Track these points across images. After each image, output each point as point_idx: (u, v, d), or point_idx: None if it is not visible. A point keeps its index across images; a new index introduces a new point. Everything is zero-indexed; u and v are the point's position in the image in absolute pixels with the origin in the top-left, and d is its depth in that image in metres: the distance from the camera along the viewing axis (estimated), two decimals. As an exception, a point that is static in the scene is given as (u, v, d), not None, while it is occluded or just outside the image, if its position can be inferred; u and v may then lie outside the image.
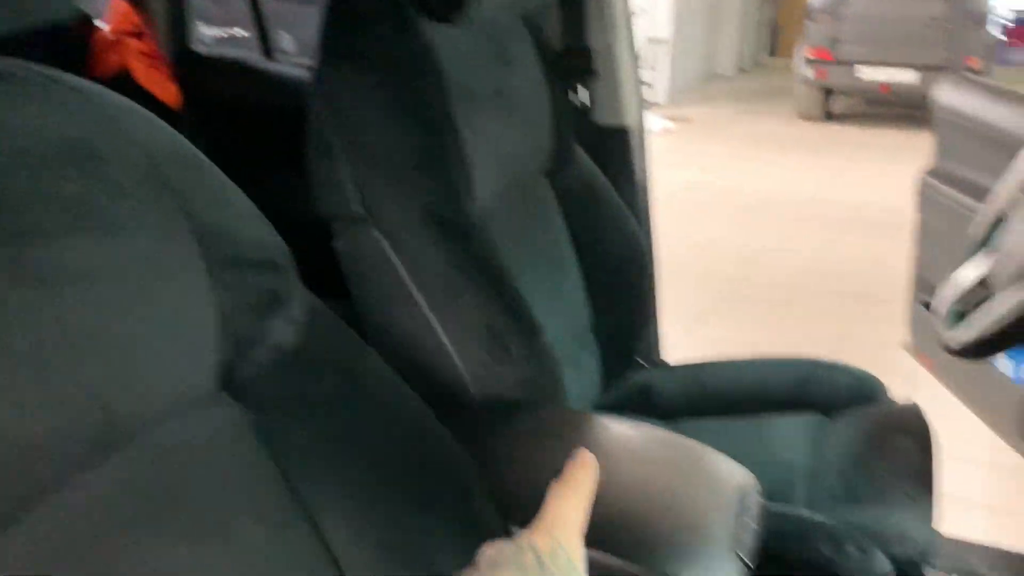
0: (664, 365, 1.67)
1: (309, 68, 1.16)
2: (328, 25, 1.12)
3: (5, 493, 0.54)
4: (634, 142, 1.61)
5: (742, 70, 10.77)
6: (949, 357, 2.26)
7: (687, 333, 3.31)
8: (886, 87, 7.17)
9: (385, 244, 1.12)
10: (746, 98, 9.11)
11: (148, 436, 0.65)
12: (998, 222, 1.23)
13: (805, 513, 1.13)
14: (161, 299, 0.67)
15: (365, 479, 0.77)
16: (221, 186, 0.76)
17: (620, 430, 1.05)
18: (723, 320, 3.53)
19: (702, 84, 9.64)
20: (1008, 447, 2.49)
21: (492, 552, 0.50)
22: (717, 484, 0.95)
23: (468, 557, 0.82)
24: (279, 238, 0.80)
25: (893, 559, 1.08)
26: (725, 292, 3.89)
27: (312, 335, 0.79)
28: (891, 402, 1.44)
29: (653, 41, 8.09)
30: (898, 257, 4.20)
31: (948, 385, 2.16)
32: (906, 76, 7.06)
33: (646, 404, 1.47)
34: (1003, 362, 2.05)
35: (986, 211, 1.30)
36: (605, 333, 1.51)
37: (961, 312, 1.19)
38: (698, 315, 3.55)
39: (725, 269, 4.16)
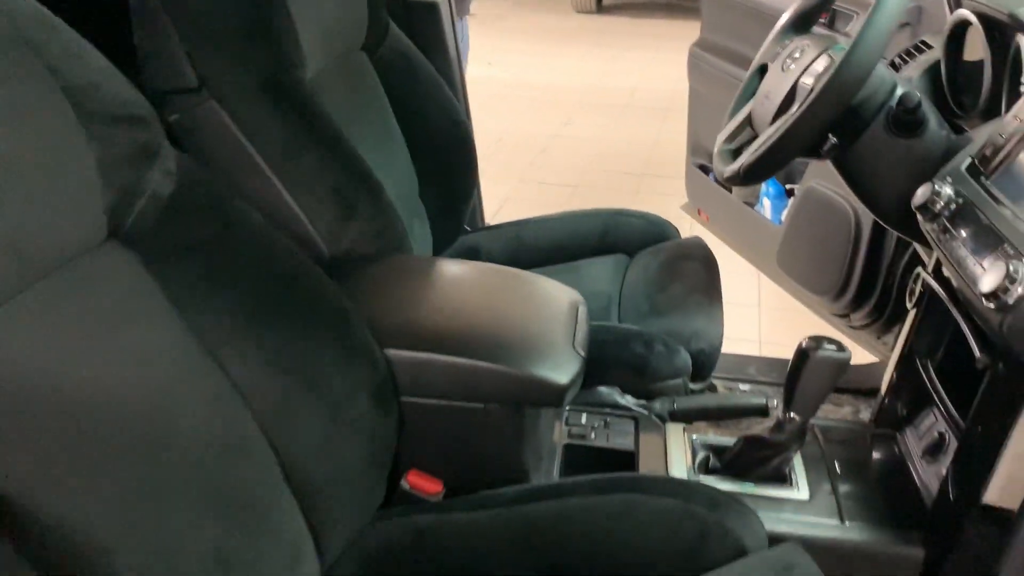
0: (487, 228, 1.82)
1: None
2: None
3: None
4: (444, 15, 1.70)
5: (517, -34, 10.84)
6: (722, 211, 2.58)
7: (491, 219, 3.51)
8: (652, -22, 7.55)
9: (223, 114, 1.16)
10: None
11: (57, 275, 0.70)
12: (761, 71, 1.46)
13: (621, 326, 1.33)
14: (45, 152, 0.71)
15: (252, 310, 0.86)
16: (79, 45, 0.80)
17: (464, 266, 1.19)
18: (522, 204, 3.75)
19: (479, -20, 9.63)
20: (770, 292, 2.92)
21: None
22: (552, 299, 1.12)
23: (355, 374, 0.94)
24: (140, 95, 0.84)
25: (692, 353, 1.31)
26: (523, 177, 4.09)
27: (185, 185, 0.85)
28: (680, 239, 1.68)
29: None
30: (672, 136, 4.63)
31: (722, 235, 2.49)
32: (669, -34, 7.47)
33: (475, 261, 1.62)
34: (765, 208, 2.39)
35: (752, 67, 1.53)
36: (433, 201, 1.63)
37: (734, 150, 1.42)
38: (501, 201, 3.73)
39: (520, 158, 4.36)
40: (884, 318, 2.00)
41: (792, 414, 1.06)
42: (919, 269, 1.17)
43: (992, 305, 0.87)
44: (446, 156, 1.64)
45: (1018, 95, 1.17)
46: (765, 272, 2.41)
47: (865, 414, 1.46)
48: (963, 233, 0.99)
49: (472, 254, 1.66)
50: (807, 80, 1.24)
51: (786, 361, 2.08)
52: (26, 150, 0.69)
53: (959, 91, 1.32)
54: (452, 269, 1.18)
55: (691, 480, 1.06)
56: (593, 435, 1.19)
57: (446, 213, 1.67)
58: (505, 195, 3.79)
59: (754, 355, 2.03)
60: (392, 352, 0.99)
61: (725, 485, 1.11)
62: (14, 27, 0.71)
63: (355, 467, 0.92)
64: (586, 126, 4.90)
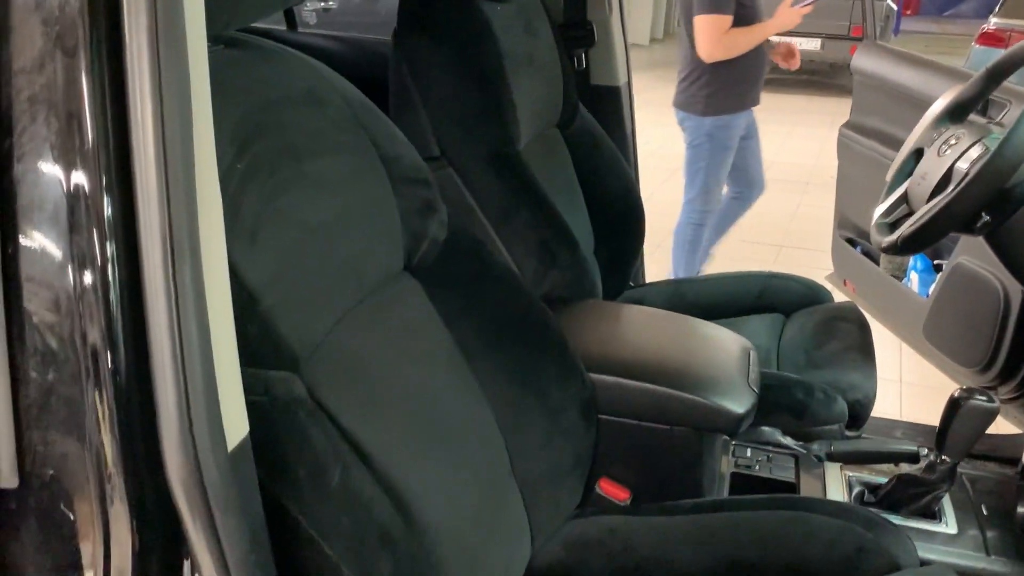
0: (648, 284, 2.02)
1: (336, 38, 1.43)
2: (403, 2, 1.41)
3: (310, 326, 0.84)
4: (624, 99, 1.94)
5: (654, 39, 11.20)
6: (869, 283, 2.69)
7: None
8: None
9: (457, 179, 1.42)
10: (661, 65, 9.52)
11: (380, 291, 0.95)
12: (916, 154, 1.61)
13: (783, 374, 1.50)
14: (372, 203, 0.97)
15: (497, 331, 1.09)
16: (388, 124, 1.06)
17: (646, 310, 1.40)
18: (665, 268, 3.94)
19: (621, 54, 10.02)
20: (911, 366, 2.96)
21: None
22: (726, 342, 1.30)
23: (570, 389, 1.15)
24: (424, 162, 1.10)
25: (848, 403, 1.46)
26: (662, 244, 4.27)
27: (453, 233, 1.09)
28: (834, 302, 1.83)
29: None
30: (810, 211, 4.72)
31: (867, 307, 2.59)
32: (810, 44, 7.63)
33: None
34: (912, 282, 2.48)
35: (904, 148, 1.69)
36: (604, 258, 1.84)
37: (891, 224, 1.57)
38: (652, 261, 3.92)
39: (663, 225, 4.55)
40: (1031, 393, 2.05)
41: (943, 457, 1.19)
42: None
43: None
44: (619, 220, 1.85)
45: None
46: (910, 344, 2.48)
47: (1008, 471, 1.55)
48: None
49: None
50: (963, 165, 1.39)
51: (931, 427, 2.20)
52: (361, 201, 0.95)
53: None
54: (637, 312, 1.38)
55: (849, 504, 1.20)
56: (757, 467, 1.35)
57: (615, 269, 1.88)
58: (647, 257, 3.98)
59: (901, 420, 2.13)
60: (594, 376, 1.19)
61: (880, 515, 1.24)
62: (351, 110, 0.98)
63: (564, 467, 1.12)
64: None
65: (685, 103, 3.08)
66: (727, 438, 1.33)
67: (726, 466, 1.37)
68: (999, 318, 2.06)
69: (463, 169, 1.41)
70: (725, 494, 1.32)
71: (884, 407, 2.78)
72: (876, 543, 1.03)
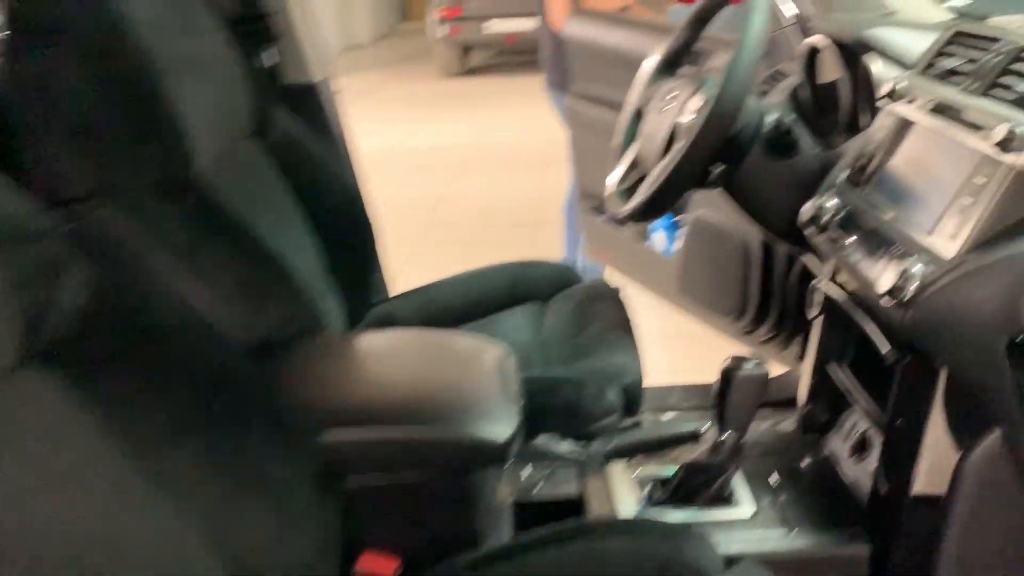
0: (396, 297, 1.82)
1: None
2: (16, 6, 1.09)
3: None
4: (324, 96, 1.72)
5: (379, 37, 11.01)
6: (619, 250, 2.66)
7: (391, 284, 3.51)
8: (512, 36, 7.81)
9: (120, 219, 1.13)
10: (389, 63, 9.38)
11: None
12: (637, 115, 1.53)
13: (548, 374, 1.36)
14: None
15: (185, 411, 0.83)
16: None
17: (386, 337, 1.19)
18: (421, 267, 3.76)
19: (344, 55, 9.75)
20: (673, 322, 3.01)
21: None
22: (479, 355, 1.12)
23: (295, 463, 0.92)
24: (37, 208, 0.81)
25: (619, 388, 1.34)
26: (417, 241, 4.11)
27: (99, 294, 0.82)
28: (586, 281, 1.73)
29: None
30: (558, 187, 4.75)
31: (623, 273, 2.56)
32: (528, 24, 7.76)
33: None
34: (658, 243, 2.47)
35: (624, 112, 1.61)
36: (341, 277, 1.62)
37: (627, 191, 1.48)
38: (399, 266, 3.73)
39: (411, 222, 4.38)
40: (785, 331, 2.10)
41: (726, 434, 1.09)
42: (815, 280, 1.25)
43: (891, 303, 0.93)
44: (346, 232, 1.64)
45: (876, 109, 1.27)
46: (670, 302, 2.49)
47: (787, 423, 1.52)
48: (853, 240, 1.06)
49: (386, 324, 1.66)
50: (686, 118, 1.31)
51: (704, 386, 2.19)
52: None
53: (821, 111, 1.42)
54: (375, 341, 1.18)
55: (641, 519, 1.08)
56: (539, 488, 1.20)
57: (355, 287, 1.67)
58: (403, 260, 3.80)
59: (674, 385, 2.09)
60: (329, 432, 0.97)
61: (674, 515, 1.13)
62: None
63: (307, 560, 0.89)
64: (471, 184, 4.97)
65: (551, 83, 3.01)
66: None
67: (505, 495, 1.20)
68: (743, 265, 2.07)
69: (126, 205, 1.12)
70: (507, 532, 1.15)
71: (655, 363, 2.80)
72: (677, 557, 0.90)
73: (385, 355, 1.13)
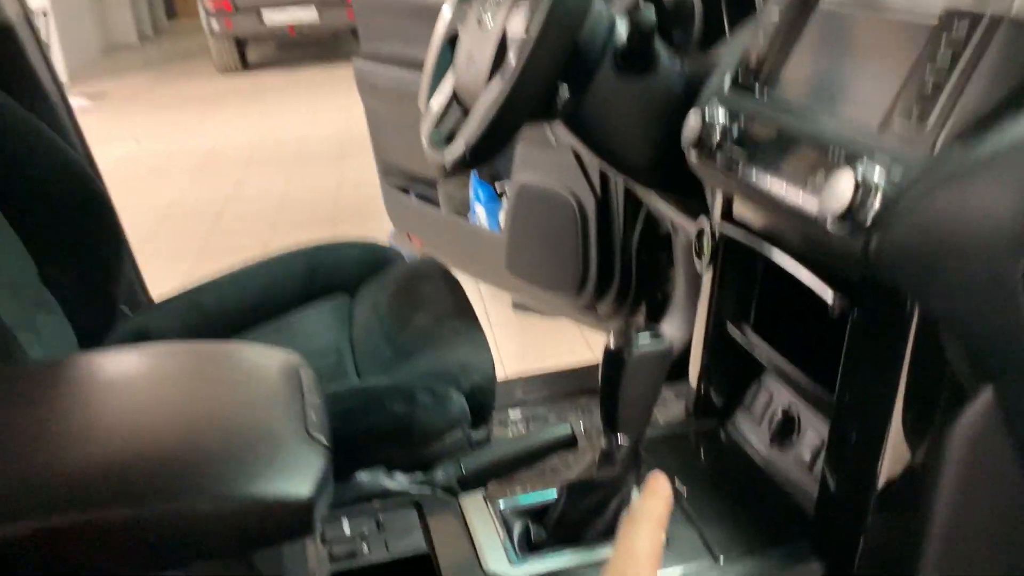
0: (153, 305, 1.38)
1: None
2: None
3: None
4: (26, 43, 1.25)
5: (145, 37, 10.06)
6: (434, 230, 2.33)
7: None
8: (292, 28, 7.30)
9: None
10: (159, 63, 8.57)
11: None
12: (451, 42, 1.20)
13: (367, 384, 0.99)
14: None
15: None
16: None
17: (113, 358, 0.78)
18: (211, 274, 3.26)
19: (106, 56, 8.79)
20: (498, 306, 2.74)
21: None
22: (258, 371, 0.75)
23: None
24: None
25: (465, 393, 1.00)
26: (202, 249, 3.59)
27: None
28: (406, 261, 1.37)
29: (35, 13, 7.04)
30: (355, 176, 4.37)
31: (439, 255, 2.23)
32: (307, 14, 7.25)
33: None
34: (480, 216, 2.17)
35: (434, 41, 1.27)
36: (66, 285, 1.18)
37: (448, 136, 1.14)
38: (181, 279, 3.20)
39: (194, 229, 3.85)
40: (630, 300, 1.87)
41: (619, 438, 0.79)
42: (704, 221, 0.97)
43: (846, 229, 0.65)
44: (72, 223, 1.19)
45: (753, 8, 1.02)
46: (494, 284, 2.20)
47: (674, 408, 1.24)
48: (762, 156, 0.79)
49: (140, 340, 1.23)
50: (516, 27, 0.99)
51: (562, 372, 1.90)
52: None
53: (676, 19, 1.15)
54: (94, 365, 0.76)
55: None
56: (367, 547, 0.83)
57: (90, 296, 1.22)
58: (184, 272, 3.27)
59: (523, 376, 1.79)
60: (13, 527, 0.57)
61: (560, 560, 0.80)
62: None
63: None
64: (261, 184, 4.50)
65: None
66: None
67: (317, 565, 0.83)
68: (579, 231, 1.81)
69: None
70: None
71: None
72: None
73: (102, 387, 0.72)
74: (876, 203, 0.63)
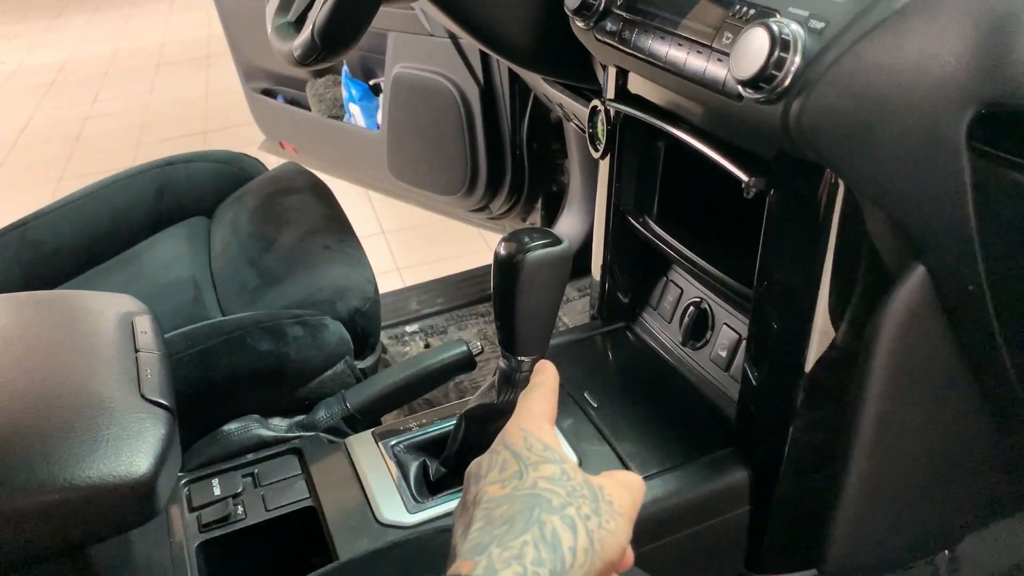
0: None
1: None
2: None
3: None
4: None
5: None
6: (308, 136, 2.15)
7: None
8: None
9: None
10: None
11: None
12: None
13: (225, 320, 0.86)
14: None
15: None
16: None
17: None
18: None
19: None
20: (389, 213, 2.60)
21: (473, 467, 0.46)
22: (87, 326, 0.61)
23: None
24: None
25: (344, 319, 0.89)
26: (61, 176, 3.30)
27: None
28: (268, 171, 1.21)
29: None
30: (223, 83, 4.05)
31: (317, 164, 2.06)
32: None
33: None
34: (356, 116, 2.00)
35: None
36: None
37: (295, 22, 0.98)
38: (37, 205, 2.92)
39: (50, 153, 3.56)
40: (524, 196, 1.76)
41: (520, 358, 0.69)
42: (596, 102, 0.86)
43: (761, 95, 0.55)
44: None
45: None
46: (380, 190, 2.05)
47: (577, 307, 1.15)
48: (658, 17, 0.67)
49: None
50: None
51: (451, 278, 1.79)
52: None
53: None
54: None
55: (417, 532, 0.66)
56: (241, 508, 0.72)
57: None
58: (35, 204, 2.98)
59: (406, 286, 1.67)
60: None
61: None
62: None
63: None
64: (120, 99, 4.12)
65: None
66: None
67: (183, 535, 0.71)
68: (464, 125, 1.68)
69: None
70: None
71: (376, 265, 2.36)
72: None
73: None
74: (795, 61, 0.53)
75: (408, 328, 1.52)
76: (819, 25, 0.53)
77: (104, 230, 1.12)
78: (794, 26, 0.54)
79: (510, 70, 1.58)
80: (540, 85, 1.33)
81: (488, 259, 2.26)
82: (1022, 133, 0.49)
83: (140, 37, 5.12)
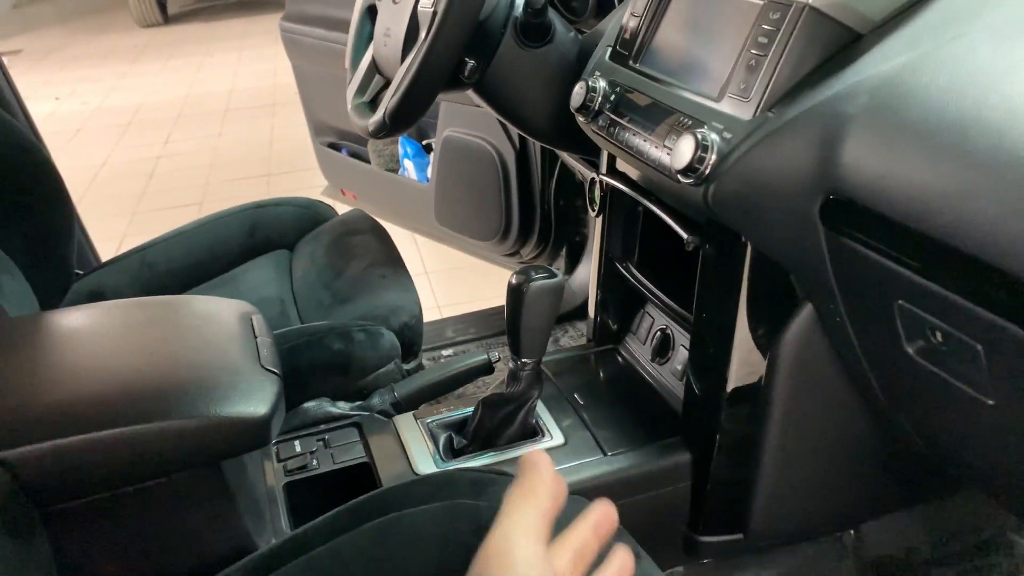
0: (102, 265, 1.49)
1: None
2: None
3: None
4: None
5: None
6: (366, 185, 2.45)
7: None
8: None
9: None
10: (74, 17, 8.30)
11: None
12: (370, 12, 1.32)
13: (308, 325, 1.14)
14: None
15: None
16: None
17: (85, 312, 0.91)
18: (146, 239, 3.32)
19: (16, 10, 8.48)
20: (432, 255, 2.87)
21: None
22: (214, 317, 0.89)
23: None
24: None
25: (395, 331, 1.16)
26: (137, 210, 3.62)
27: None
28: (338, 215, 1.50)
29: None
30: (286, 131, 4.41)
31: (373, 211, 2.36)
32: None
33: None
34: (409, 170, 2.29)
35: (356, 10, 1.39)
36: (24, 250, 1.28)
37: (369, 103, 1.27)
38: (119, 241, 3.26)
39: (128, 189, 3.87)
40: (551, 244, 2.02)
41: (523, 360, 0.95)
42: (593, 175, 1.13)
43: (690, 180, 0.82)
44: (22, 191, 1.29)
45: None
46: (426, 235, 2.33)
47: (573, 338, 1.42)
48: (633, 120, 0.94)
49: (96, 300, 1.34)
50: (425, 5, 1.12)
51: (483, 313, 2.06)
52: None
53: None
54: (72, 319, 0.89)
55: (441, 472, 0.92)
56: (315, 461, 0.99)
57: (45, 260, 1.33)
58: (122, 233, 3.32)
59: (449, 317, 1.94)
60: (20, 452, 0.70)
61: (478, 462, 0.98)
62: None
63: None
64: (191, 140, 4.49)
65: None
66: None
67: (274, 479, 0.98)
68: (501, 181, 1.96)
69: None
70: (284, 522, 0.93)
71: (425, 305, 2.65)
72: (491, 508, 0.74)
73: (83, 335, 0.86)
74: (711, 160, 0.80)
75: (444, 352, 1.79)
76: (728, 136, 0.79)
77: (206, 256, 1.42)
78: (712, 135, 0.80)
79: (541, 139, 1.85)
80: (564, 154, 1.60)
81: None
82: (855, 215, 0.74)
83: (210, 84, 5.53)
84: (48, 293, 1.32)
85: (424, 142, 2.27)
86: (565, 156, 1.68)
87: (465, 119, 1.98)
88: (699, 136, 0.80)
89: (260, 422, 0.77)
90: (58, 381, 0.77)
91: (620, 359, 1.17)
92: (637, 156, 0.93)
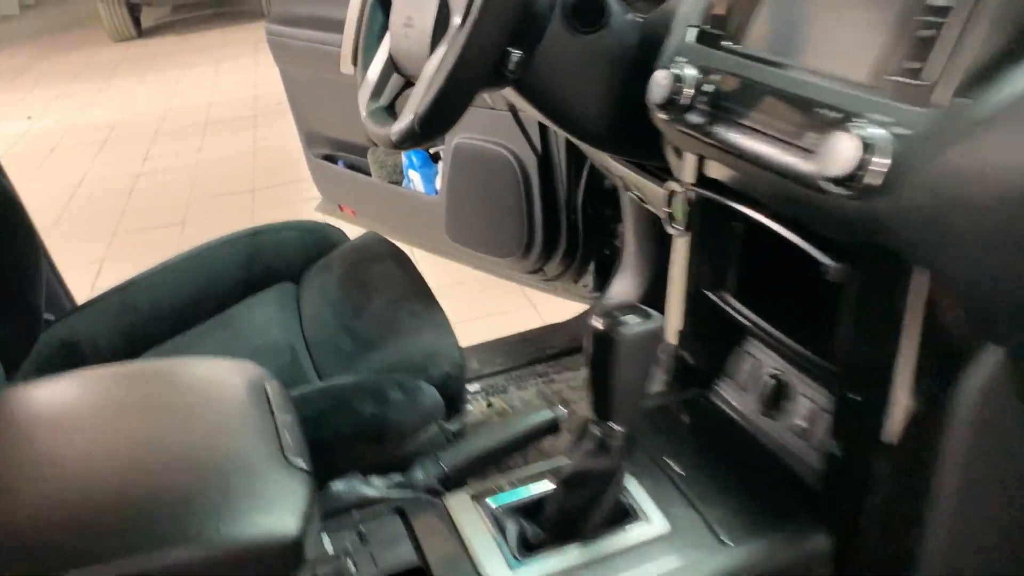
0: (78, 308, 1.27)
1: None
2: None
3: None
4: None
5: (25, 5, 9.44)
6: (367, 200, 2.23)
7: (92, 292, 2.82)
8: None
9: None
10: (45, 33, 8.05)
11: None
12: (382, 2, 1.12)
13: (332, 384, 0.92)
14: None
15: None
16: None
17: (60, 388, 0.69)
18: (127, 262, 3.07)
19: (-20, 29, 8.23)
20: (444, 271, 2.67)
21: None
22: (225, 391, 0.68)
23: None
24: None
25: (436, 383, 0.95)
26: (117, 230, 3.40)
27: None
28: (350, 240, 1.29)
29: None
30: (269, 142, 4.19)
31: (374, 227, 2.14)
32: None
33: (75, 360, 1.09)
34: (415, 182, 2.09)
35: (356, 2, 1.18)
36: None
37: (387, 107, 1.07)
38: (97, 265, 3.03)
39: (106, 208, 3.65)
40: (578, 258, 1.83)
41: (612, 424, 0.74)
42: (673, 185, 0.92)
43: (847, 192, 0.61)
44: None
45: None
46: (435, 251, 2.12)
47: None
48: (744, 115, 0.74)
49: (69, 352, 1.13)
50: (462, -17, 0.91)
51: (510, 339, 1.84)
52: None
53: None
54: (31, 404, 0.68)
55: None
56: (352, 565, 0.77)
57: (9, 306, 1.11)
58: (100, 257, 3.10)
59: (473, 347, 1.73)
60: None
61: (560, 560, 0.76)
62: None
63: None
64: (170, 156, 4.28)
65: None
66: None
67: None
68: (522, 191, 1.75)
69: None
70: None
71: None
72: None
73: (45, 432, 0.64)
74: (882, 165, 0.59)
75: (470, 387, 1.58)
76: (905, 132, 0.59)
77: (198, 294, 1.20)
78: (879, 132, 0.60)
79: (567, 140, 1.66)
80: (599, 157, 1.40)
81: (533, 316, 2.34)
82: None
83: (189, 98, 5.31)
84: (12, 345, 1.11)
85: (431, 151, 2.06)
86: (597, 159, 1.48)
87: (478, 123, 1.78)
88: (863, 134, 0.60)
89: (289, 544, 0.56)
90: (9, 498, 0.56)
91: (712, 408, 0.96)
92: (753, 161, 0.72)
